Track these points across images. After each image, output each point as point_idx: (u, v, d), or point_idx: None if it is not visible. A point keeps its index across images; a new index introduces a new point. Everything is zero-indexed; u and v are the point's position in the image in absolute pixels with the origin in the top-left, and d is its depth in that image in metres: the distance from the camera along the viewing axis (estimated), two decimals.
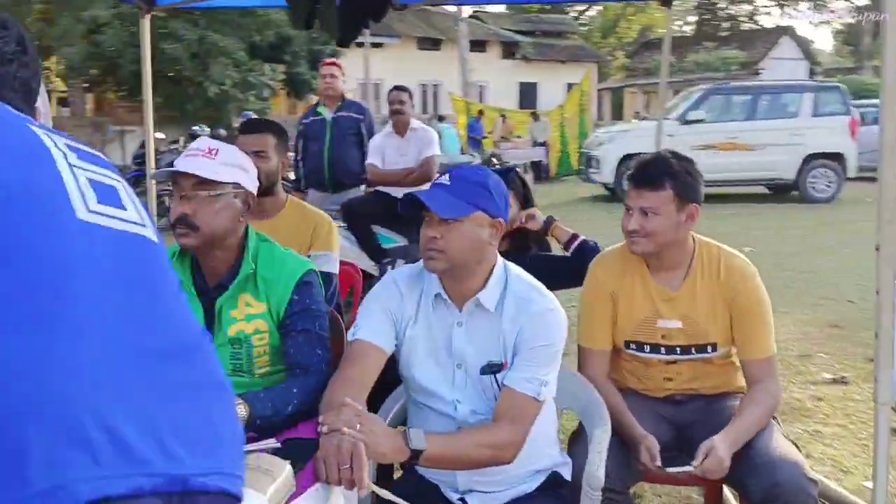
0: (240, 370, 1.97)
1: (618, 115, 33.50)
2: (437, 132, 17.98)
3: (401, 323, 1.94)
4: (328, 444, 1.53)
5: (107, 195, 1.05)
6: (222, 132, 12.90)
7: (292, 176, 6.28)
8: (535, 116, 19.87)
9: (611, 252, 2.41)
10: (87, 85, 21.53)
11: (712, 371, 2.33)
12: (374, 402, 2.15)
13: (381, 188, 5.47)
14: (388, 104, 5.48)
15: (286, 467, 1.46)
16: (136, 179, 10.78)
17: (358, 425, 1.58)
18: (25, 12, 18.08)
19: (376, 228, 5.35)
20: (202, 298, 1.96)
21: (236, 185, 1.93)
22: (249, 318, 1.95)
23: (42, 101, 3.53)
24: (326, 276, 2.88)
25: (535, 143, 19.04)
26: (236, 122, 12.02)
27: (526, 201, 2.98)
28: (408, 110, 5.45)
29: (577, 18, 43.65)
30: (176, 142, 12.85)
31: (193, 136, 12.64)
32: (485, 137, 19.42)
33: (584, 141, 17.09)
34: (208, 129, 12.86)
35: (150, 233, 1.10)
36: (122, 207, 1.07)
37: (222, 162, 1.90)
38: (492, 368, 1.88)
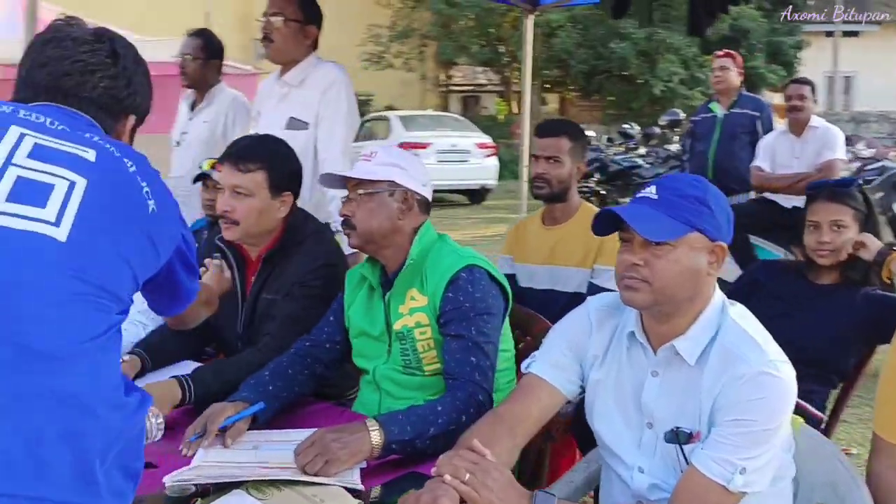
0: (410, 367, 1.90)
1: None
2: None
3: (586, 361, 1.63)
4: (416, 492, 1.33)
5: (27, 193, 1.07)
6: (656, 130, 12.69)
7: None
8: None
9: None
10: (548, 85, 23.09)
11: None
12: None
13: (767, 195, 4.82)
14: (784, 99, 4.78)
15: None
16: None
17: (468, 475, 1.35)
18: (499, 21, 20.03)
19: (755, 240, 4.76)
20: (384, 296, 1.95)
21: (391, 184, 1.88)
22: (413, 311, 1.88)
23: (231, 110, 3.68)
24: None
25: None
26: (663, 121, 11.69)
27: (867, 224, 2.30)
28: (808, 106, 4.68)
29: None
30: (611, 140, 13.03)
31: (625, 135, 12.70)
32: None
33: None
34: (638, 128, 12.76)
35: (58, 233, 1.06)
36: (40, 206, 1.06)
37: (378, 162, 1.89)
38: (679, 437, 1.46)
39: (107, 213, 1.13)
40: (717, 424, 1.41)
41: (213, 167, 3.21)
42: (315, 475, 1.45)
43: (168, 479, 1.36)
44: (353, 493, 1.43)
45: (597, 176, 11.17)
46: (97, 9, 12.74)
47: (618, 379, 1.58)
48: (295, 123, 2.82)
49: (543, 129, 2.75)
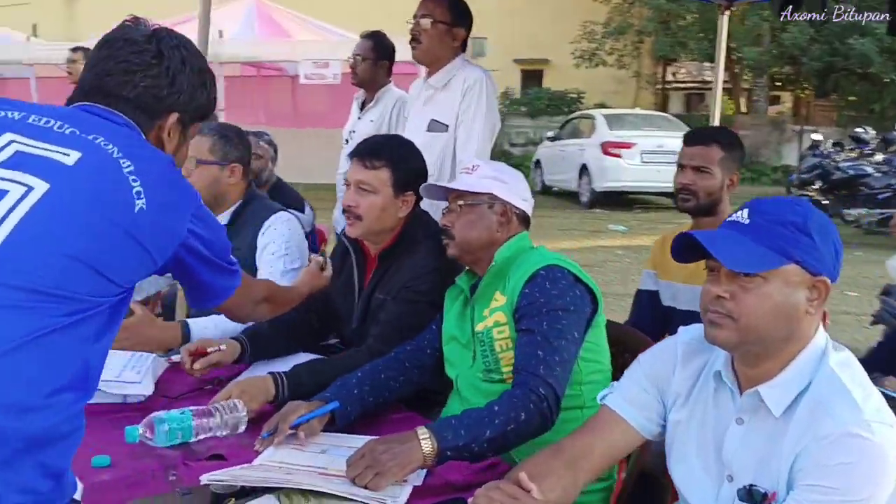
0: (489, 370, 1.86)
1: None
2: None
3: (668, 399, 1.47)
4: None
5: None
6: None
7: None
8: None
9: None
10: (778, 83, 21.53)
11: None
12: None
13: None
14: None
15: None
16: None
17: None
18: (714, 18, 18.97)
19: None
20: None
21: (491, 197, 1.91)
22: (493, 311, 1.86)
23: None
24: None
25: None
26: None
27: None
28: None
29: None
30: (839, 144, 11.85)
31: (857, 139, 11.47)
32: None
33: None
34: (873, 132, 11.51)
35: None
36: None
37: (480, 175, 1.93)
38: (752, 496, 1.28)
39: (65, 216, 1.15)
40: (794, 487, 1.22)
41: None
42: (366, 487, 1.44)
43: (204, 478, 1.40)
44: None
45: (818, 184, 10.26)
46: (325, 8, 13.65)
47: (701, 422, 1.42)
48: (435, 126, 2.82)
49: (692, 138, 2.54)
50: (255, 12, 12.11)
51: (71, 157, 1.19)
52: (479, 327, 1.87)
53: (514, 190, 1.94)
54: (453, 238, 1.91)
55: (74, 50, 5.99)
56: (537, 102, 19.47)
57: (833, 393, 1.24)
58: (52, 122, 1.24)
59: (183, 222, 1.28)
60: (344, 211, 2.16)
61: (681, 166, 2.51)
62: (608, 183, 12.53)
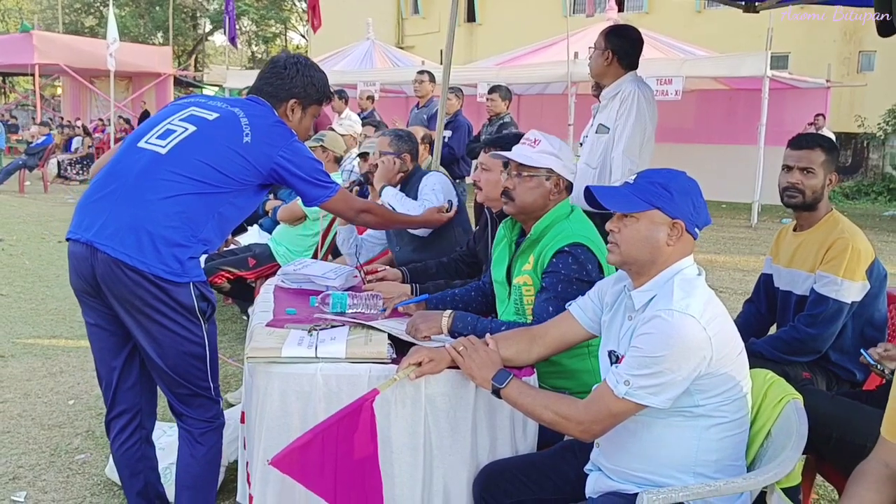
0: (518, 314, 2.52)
1: None
2: None
3: (605, 306, 2.11)
4: (423, 347, 2.16)
5: (164, 135, 2.30)
6: None
7: None
8: None
9: None
10: None
11: None
12: None
13: None
14: None
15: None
16: None
17: (462, 347, 2.08)
18: None
19: None
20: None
21: (549, 171, 2.46)
22: (523, 272, 2.48)
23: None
24: (828, 304, 2.68)
25: None
26: None
27: None
28: None
29: None
30: None
31: None
32: None
33: None
34: None
35: (162, 150, 2.26)
36: (164, 140, 2.28)
37: (540, 150, 2.46)
38: (610, 357, 1.97)
39: (200, 142, 2.25)
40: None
41: None
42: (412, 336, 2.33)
43: (317, 314, 2.45)
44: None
45: None
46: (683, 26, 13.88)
47: (613, 319, 2.05)
48: (601, 129, 3.53)
49: (797, 142, 2.81)
50: None
51: (212, 116, 2.33)
52: (516, 280, 2.49)
53: (568, 165, 2.48)
54: (513, 200, 2.47)
55: (421, 73, 7.56)
56: None
57: (662, 295, 1.85)
58: (215, 102, 2.40)
59: (275, 150, 2.33)
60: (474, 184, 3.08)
61: (788, 167, 2.84)
62: None
